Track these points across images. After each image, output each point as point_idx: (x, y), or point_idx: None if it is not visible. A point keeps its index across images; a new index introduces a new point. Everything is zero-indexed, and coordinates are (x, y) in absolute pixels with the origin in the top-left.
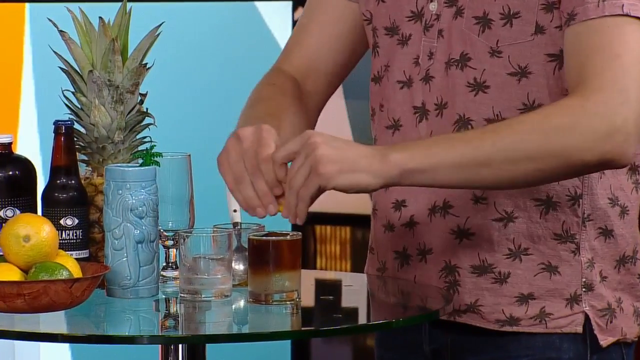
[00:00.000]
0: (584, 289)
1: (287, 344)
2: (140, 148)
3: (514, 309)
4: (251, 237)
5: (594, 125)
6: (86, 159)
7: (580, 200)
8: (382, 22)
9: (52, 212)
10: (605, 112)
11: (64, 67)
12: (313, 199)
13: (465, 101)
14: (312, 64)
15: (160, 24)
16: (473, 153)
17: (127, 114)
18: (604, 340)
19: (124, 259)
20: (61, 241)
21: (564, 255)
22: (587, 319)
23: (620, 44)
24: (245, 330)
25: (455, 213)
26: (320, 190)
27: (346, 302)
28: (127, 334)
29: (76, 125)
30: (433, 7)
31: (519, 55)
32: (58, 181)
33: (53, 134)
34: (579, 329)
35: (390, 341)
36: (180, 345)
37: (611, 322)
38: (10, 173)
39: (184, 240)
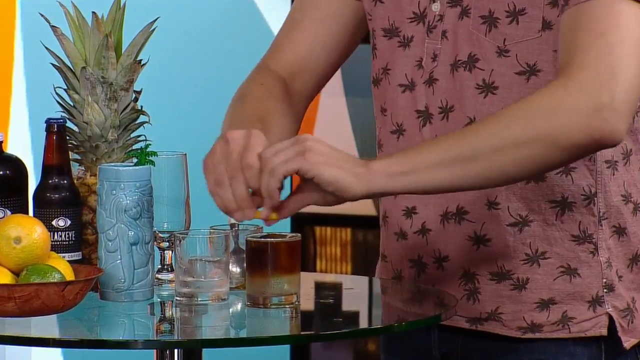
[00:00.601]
0: (605, 290)
1: (286, 349)
2: (134, 147)
3: (535, 315)
4: (249, 238)
5: (579, 103)
6: (79, 158)
7: (595, 198)
8: (380, 24)
9: (44, 213)
10: (589, 89)
11: (56, 63)
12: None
13: (475, 104)
14: (303, 62)
15: (156, 19)
16: (457, 147)
17: (121, 112)
18: (627, 342)
19: (118, 261)
20: (53, 243)
21: (582, 257)
22: (610, 321)
23: (607, 22)
24: (243, 334)
25: (470, 219)
26: (301, 178)
27: (347, 305)
28: (121, 338)
29: (69, 124)
30: (436, 7)
31: (527, 53)
32: (50, 181)
33: (45, 133)
34: (604, 331)
35: (396, 346)
36: (175, 350)
37: (632, 322)
38: (1, 173)
39: (180, 241)
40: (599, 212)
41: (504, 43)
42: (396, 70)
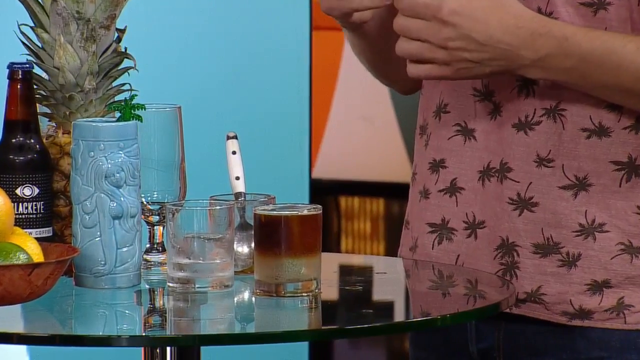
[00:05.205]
0: None
1: (303, 347)
2: (117, 98)
3: (585, 299)
4: (258, 211)
5: None
6: (49, 112)
7: None
8: None
9: (6, 179)
10: None
11: None
12: None
13: None
14: None
15: None
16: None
17: (101, 55)
18: None
19: (97, 239)
20: (17, 216)
21: None
22: None
23: None
24: (251, 329)
25: (514, 178)
26: None
27: (378, 293)
28: (100, 334)
29: (36, 69)
30: None
31: None
32: (13, 140)
33: (7, 81)
34: None
35: (427, 339)
36: (168, 349)
37: None
38: None
39: (173, 215)
40: None
41: None
42: None
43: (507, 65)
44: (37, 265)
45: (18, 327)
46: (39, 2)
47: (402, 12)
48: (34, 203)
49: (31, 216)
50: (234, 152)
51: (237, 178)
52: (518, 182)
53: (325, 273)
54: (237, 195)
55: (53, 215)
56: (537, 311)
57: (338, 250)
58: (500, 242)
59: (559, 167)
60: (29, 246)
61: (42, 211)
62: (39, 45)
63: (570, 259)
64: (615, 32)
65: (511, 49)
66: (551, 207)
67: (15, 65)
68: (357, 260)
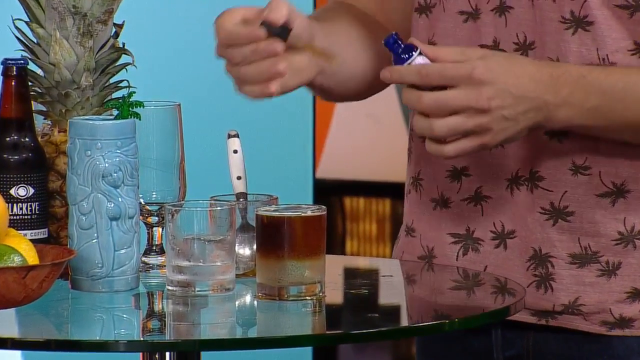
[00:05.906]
0: None
1: (307, 352)
2: (115, 95)
3: (625, 307)
4: (260, 212)
5: None
6: (44, 109)
7: None
8: None
9: (0, 179)
10: None
11: None
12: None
13: (559, 41)
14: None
15: None
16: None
17: (98, 51)
18: None
19: (94, 241)
20: (12, 217)
21: None
22: None
23: None
24: (253, 333)
25: (547, 187)
26: None
27: (384, 297)
28: (97, 339)
29: (31, 66)
30: None
31: None
32: (8, 139)
33: (1, 77)
34: None
35: (440, 348)
36: (167, 354)
37: None
38: None
39: (173, 216)
40: None
41: None
42: None
43: (535, 117)
44: (32, 267)
45: (12, 332)
46: None
47: (431, 81)
48: (29, 204)
49: (26, 217)
50: (235, 151)
51: (239, 178)
52: (551, 191)
53: (330, 276)
54: (239, 195)
55: (48, 216)
56: (575, 322)
57: (343, 253)
58: (533, 252)
59: (596, 175)
60: (23, 248)
61: (37, 212)
62: (34, 40)
63: (610, 268)
64: (632, 67)
65: (537, 96)
66: (588, 216)
67: (10, 62)
68: (362, 262)
